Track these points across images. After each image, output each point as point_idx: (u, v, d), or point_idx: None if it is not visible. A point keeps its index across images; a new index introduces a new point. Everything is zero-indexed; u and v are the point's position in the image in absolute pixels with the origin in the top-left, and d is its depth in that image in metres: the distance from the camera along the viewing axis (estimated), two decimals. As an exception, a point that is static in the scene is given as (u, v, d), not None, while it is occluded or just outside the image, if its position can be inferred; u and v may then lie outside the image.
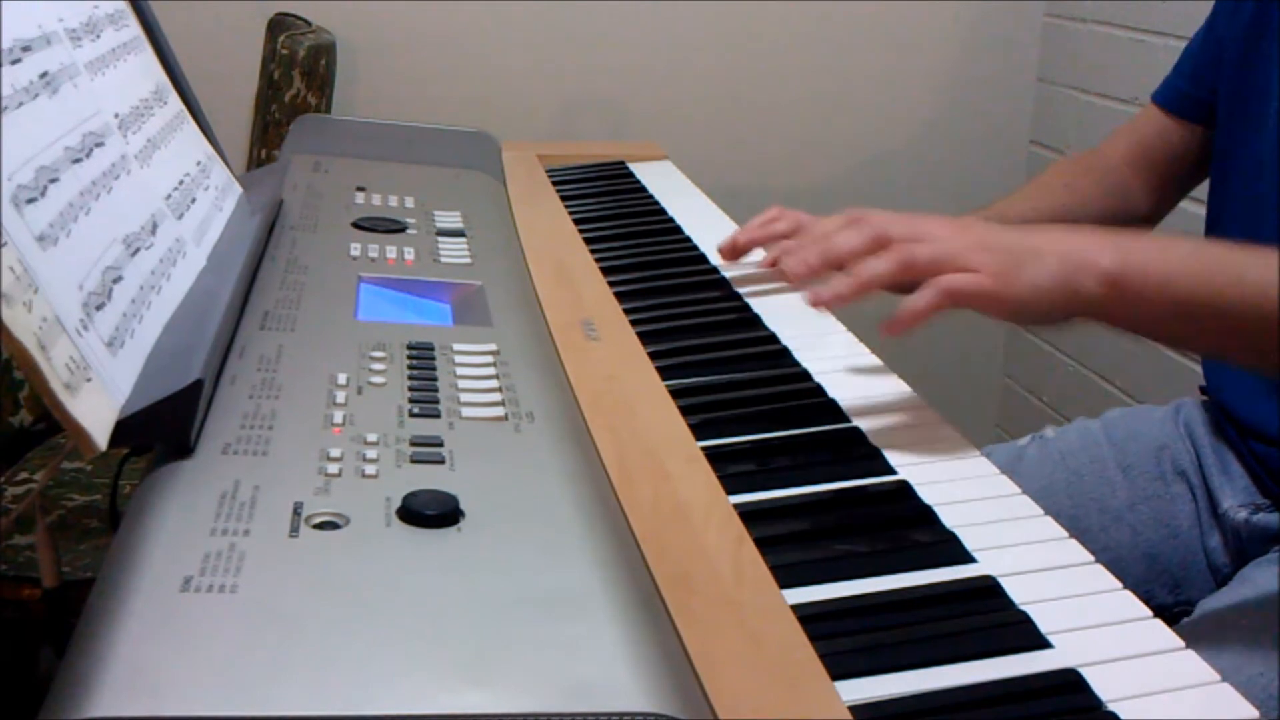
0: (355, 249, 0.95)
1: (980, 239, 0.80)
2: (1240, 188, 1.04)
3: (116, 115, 0.80)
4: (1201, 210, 1.13)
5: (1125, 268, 0.78)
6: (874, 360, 0.93)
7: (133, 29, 0.94)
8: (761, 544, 0.65)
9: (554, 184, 1.35)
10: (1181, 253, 0.80)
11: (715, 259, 1.14)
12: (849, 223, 0.85)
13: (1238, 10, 1.06)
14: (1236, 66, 1.05)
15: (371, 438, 0.64)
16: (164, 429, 0.61)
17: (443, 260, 0.96)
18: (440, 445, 0.64)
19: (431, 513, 0.57)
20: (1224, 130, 1.08)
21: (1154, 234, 0.90)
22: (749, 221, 1.10)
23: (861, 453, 0.80)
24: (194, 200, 0.88)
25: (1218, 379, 1.11)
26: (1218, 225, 1.09)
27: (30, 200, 0.60)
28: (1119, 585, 0.65)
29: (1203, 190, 1.15)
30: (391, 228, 1.01)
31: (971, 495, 0.75)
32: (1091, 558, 0.68)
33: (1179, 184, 1.18)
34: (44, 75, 0.69)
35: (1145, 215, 1.19)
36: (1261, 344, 0.78)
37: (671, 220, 1.27)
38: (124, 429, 0.60)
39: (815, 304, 0.84)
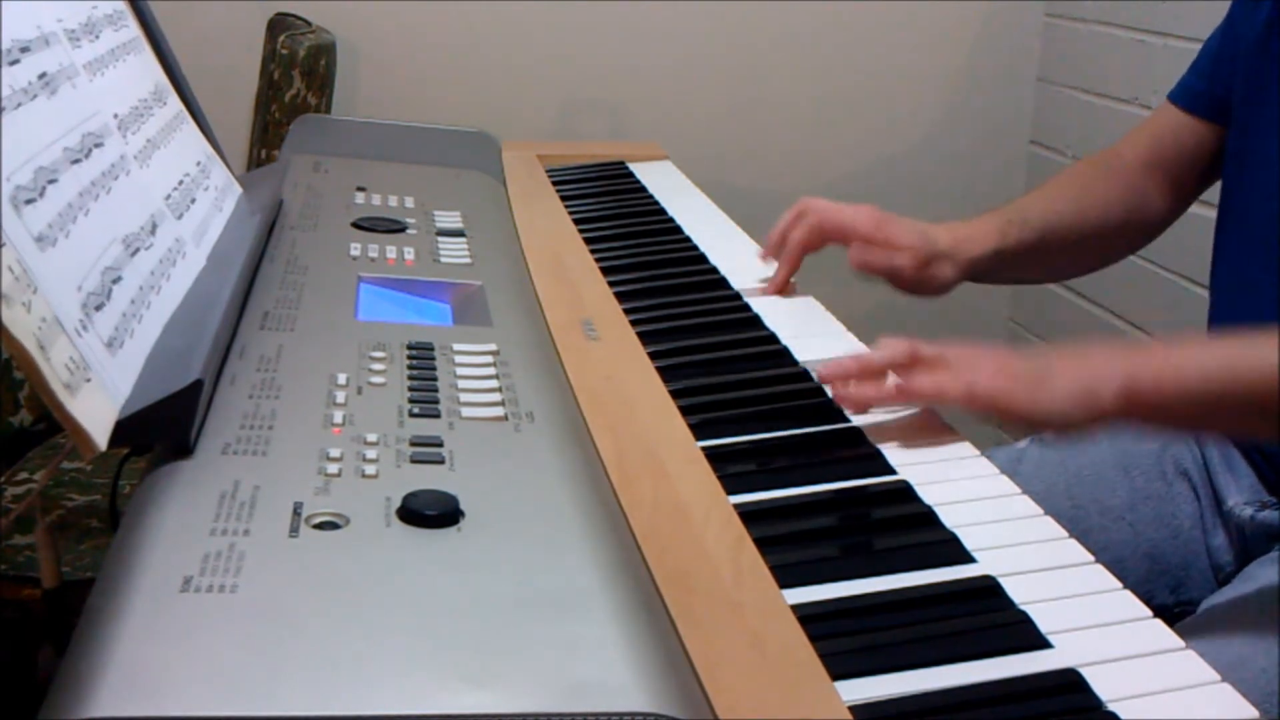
0: (355, 249, 0.95)
1: (1006, 367, 0.84)
2: (1252, 189, 1.04)
3: (116, 116, 0.80)
4: (1210, 212, 1.13)
5: (1138, 383, 0.82)
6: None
7: (131, 29, 0.94)
8: (761, 544, 0.65)
9: (554, 184, 1.34)
10: (1188, 359, 0.84)
11: (715, 259, 1.14)
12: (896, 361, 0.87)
13: (1255, 10, 1.06)
14: (1250, 67, 1.05)
15: (371, 438, 0.64)
16: (164, 429, 0.61)
17: (443, 260, 0.96)
18: (440, 445, 0.64)
19: (431, 513, 0.57)
20: (1236, 131, 1.08)
21: (1162, 340, 0.95)
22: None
23: (861, 453, 0.80)
24: (194, 200, 0.88)
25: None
26: (1228, 228, 1.09)
27: (29, 201, 0.60)
28: (1119, 585, 0.65)
29: (1212, 193, 1.14)
30: (391, 228, 1.01)
31: (971, 495, 0.75)
32: (1091, 558, 0.68)
33: (1195, 183, 1.18)
34: (43, 76, 0.69)
35: (1162, 216, 1.19)
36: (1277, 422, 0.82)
37: (671, 220, 1.27)
38: (124, 429, 0.60)
39: (851, 406, 0.86)
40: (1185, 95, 1.15)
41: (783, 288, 1.10)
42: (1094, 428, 0.86)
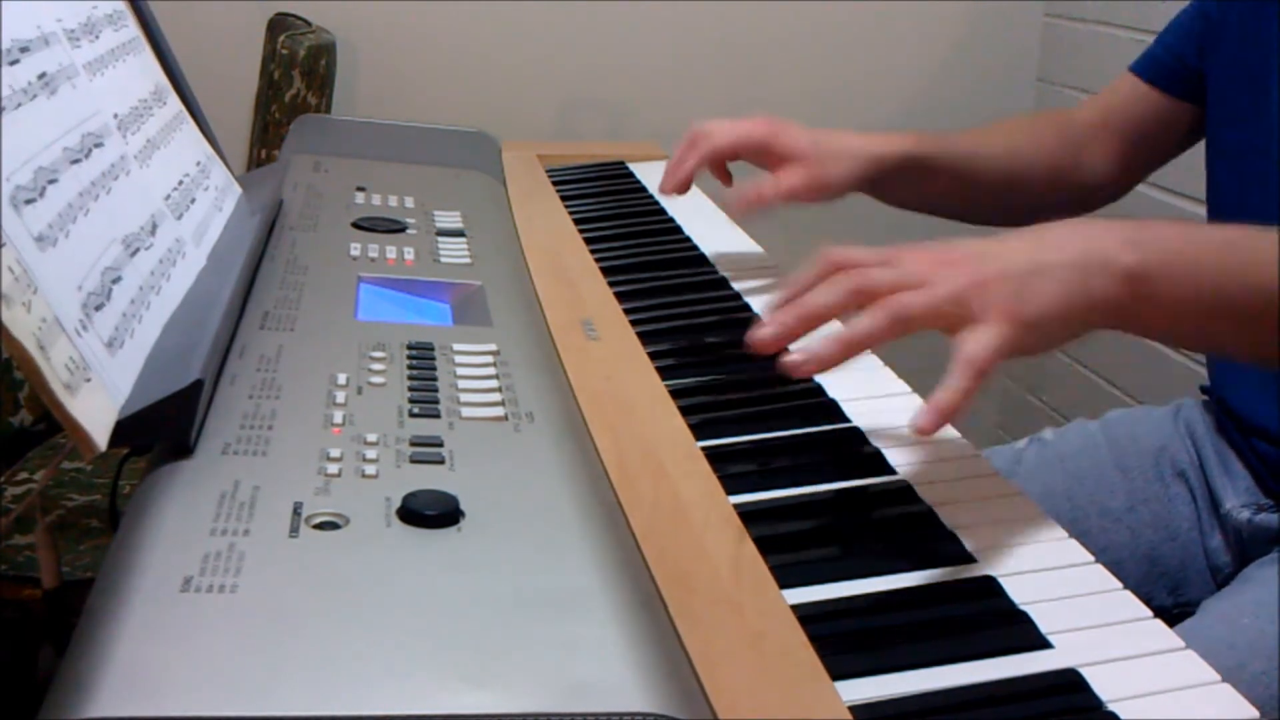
0: (355, 249, 0.95)
1: (975, 271, 0.70)
2: (1241, 176, 1.04)
3: (115, 116, 0.80)
4: (1198, 208, 1.12)
5: (1146, 262, 0.71)
6: (874, 360, 0.93)
7: (131, 29, 0.94)
8: (761, 544, 0.65)
9: (554, 184, 1.34)
10: (1207, 239, 0.74)
11: (715, 259, 1.14)
12: (826, 272, 0.75)
13: (1231, 2, 1.05)
14: (1232, 54, 1.05)
15: (371, 438, 0.64)
16: (164, 429, 0.61)
17: (443, 260, 0.96)
18: (440, 445, 0.64)
19: (431, 513, 0.57)
20: (1219, 117, 1.07)
21: (1166, 220, 0.80)
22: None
23: (861, 453, 0.80)
24: (193, 200, 0.88)
25: (1221, 378, 1.11)
26: (1218, 207, 1.08)
27: (29, 201, 0.60)
28: (1119, 585, 0.65)
29: (1195, 187, 1.14)
30: (391, 228, 1.01)
31: (971, 495, 0.75)
32: (1091, 558, 0.68)
33: (1145, 156, 1.17)
34: (42, 76, 0.69)
35: (1101, 181, 1.18)
36: None
37: (671, 220, 1.27)
38: (124, 429, 0.60)
39: (794, 373, 0.73)
40: (1148, 67, 1.14)
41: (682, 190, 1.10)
42: (1090, 325, 0.71)
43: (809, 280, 0.74)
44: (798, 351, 0.73)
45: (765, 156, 1.08)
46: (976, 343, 0.68)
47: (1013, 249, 0.72)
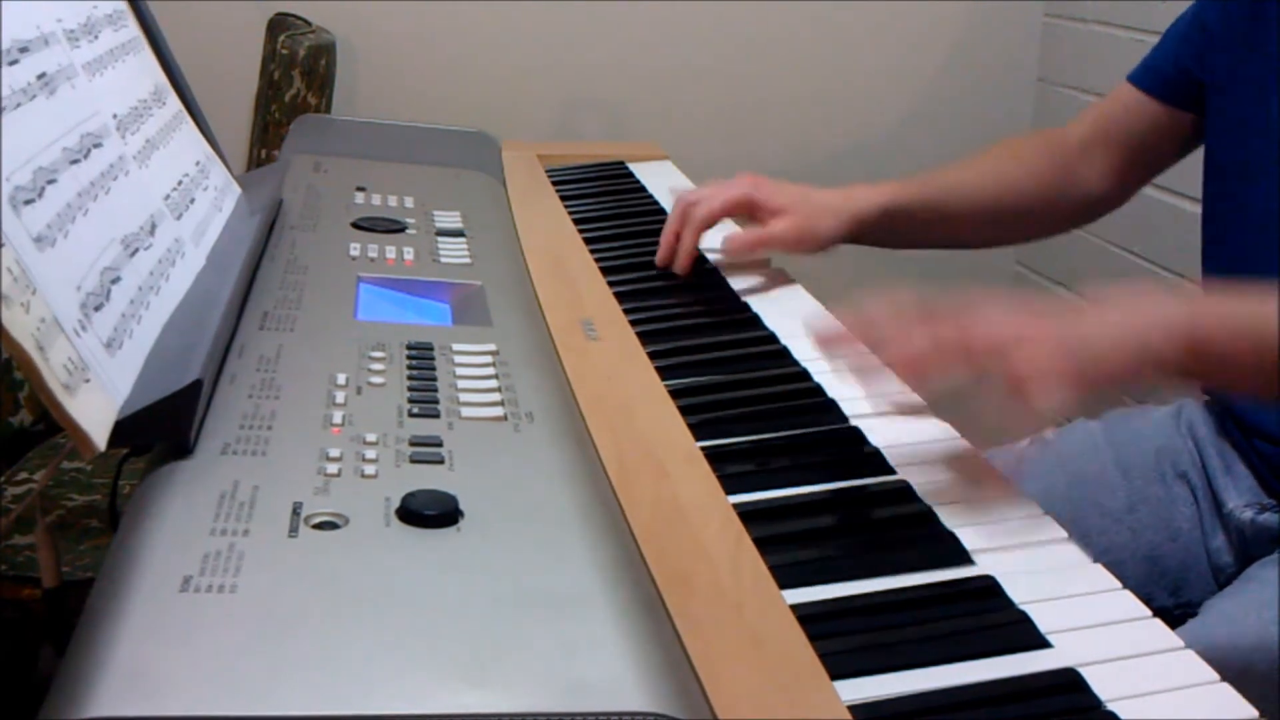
0: (355, 249, 0.95)
1: (1055, 335, 0.75)
2: (1242, 180, 1.04)
3: (115, 116, 0.80)
4: (1186, 204, 1.12)
5: (1203, 325, 0.77)
6: (874, 360, 0.93)
7: (131, 29, 0.94)
8: (761, 544, 0.65)
9: (554, 184, 1.34)
10: (1252, 301, 0.79)
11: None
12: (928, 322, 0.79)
13: (1229, 8, 1.05)
14: (1230, 61, 1.05)
15: (371, 438, 0.64)
16: (163, 429, 0.61)
17: (442, 260, 0.96)
18: (440, 445, 0.64)
19: (431, 513, 0.57)
20: (1217, 125, 1.07)
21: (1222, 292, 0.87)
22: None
23: (861, 453, 0.80)
24: (193, 200, 0.88)
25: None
26: (1215, 217, 1.08)
27: (28, 201, 0.60)
28: (1119, 585, 0.65)
29: (1195, 187, 1.14)
30: (391, 228, 1.01)
31: (971, 495, 0.75)
32: (1091, 558, 0.68)
33: (1142, 167, 1.17)
34: (42, 76, 0.69)
35: (1097, 196, 1.18)
36: None
37: (672, 220, 1.27)
38: (123, 429, 0.60)
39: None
40: (1145, 76, 1.14)
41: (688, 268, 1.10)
42: (1141, 379, 0.78)
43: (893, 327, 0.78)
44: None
45: (755, 213, 1.11)
46: (1045, 393, 0.72)
47: (1088, 318, 0.78)
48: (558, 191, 1.32)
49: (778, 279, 1.11)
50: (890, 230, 1.13)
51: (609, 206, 1.31)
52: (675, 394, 0.83)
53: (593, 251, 1.11)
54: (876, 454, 0.79)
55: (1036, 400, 0.72)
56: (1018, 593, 0.64)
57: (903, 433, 0.82)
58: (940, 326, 0.76)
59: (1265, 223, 0.99)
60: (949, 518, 0.71)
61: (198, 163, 0.95)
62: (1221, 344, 0.77)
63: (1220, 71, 1.06)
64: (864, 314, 0.80)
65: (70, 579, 0.82)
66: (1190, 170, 1.16)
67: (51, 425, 1.45)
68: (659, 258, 1.12)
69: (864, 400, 0.86)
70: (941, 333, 0.75)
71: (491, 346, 0.78)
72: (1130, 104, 1.15)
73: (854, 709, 0.54)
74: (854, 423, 0.83)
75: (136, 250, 0.73)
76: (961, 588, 0.65)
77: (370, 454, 0.62)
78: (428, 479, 0.60)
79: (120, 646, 0.46)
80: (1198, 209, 1.13)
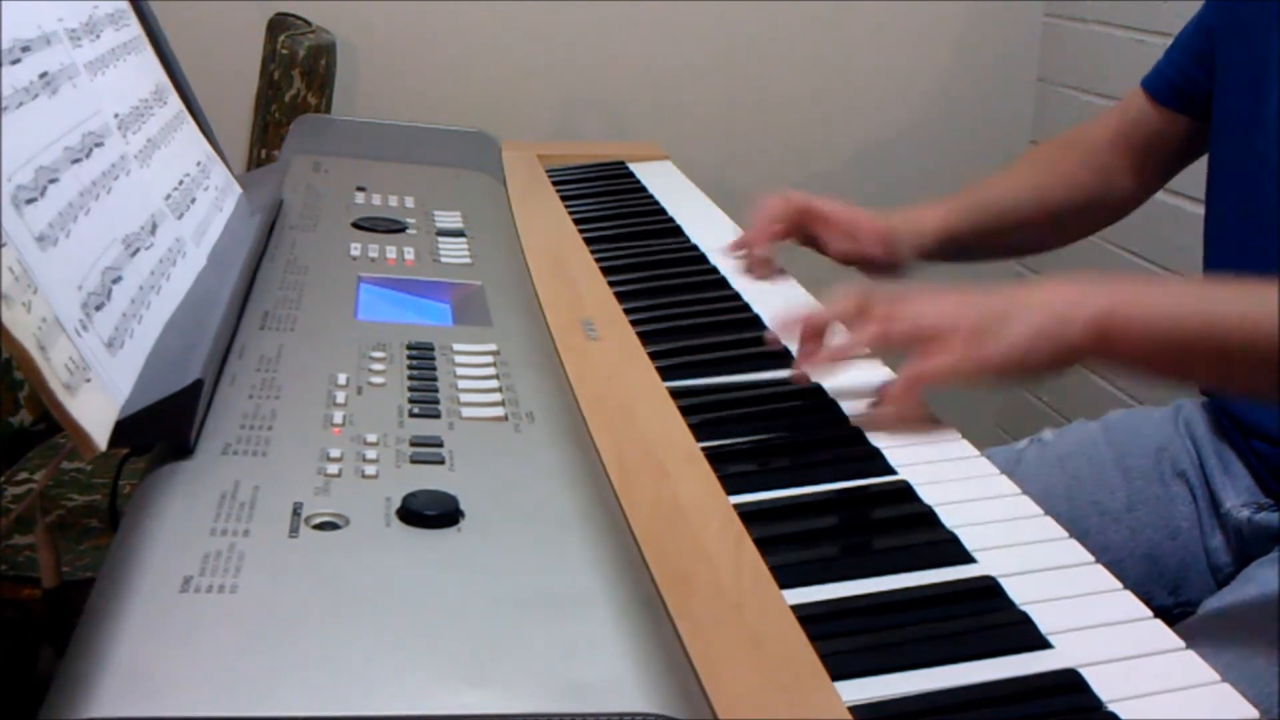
0: (355, 249, 0.95)
1: (958, 306, 0.81)
2: (1240, 183, 1.04)
3: (116, 115, 0.80)
4: (1197, 208, 1.12)
5: (1112, 314, 0.79)
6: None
7: (133, 29, 0.94)
8: (761, 544, 0.65)
9: (554, 184, 1.35)
10: (1170, 294, 0.81)
11: (715, 259, 1.14)
12: (847, 313, 0.88)
13: (1230, 6, 1.06)
14: (1231, 62, 1.05)
15: (371, 438, 0.64)
16: (164, 429, 0.61)
17: (443, 260, 0.96)
18: (440, 445, 0.64)
19: (431, 513, 0.57)
20: (1219, 126, 1.08)
21: (1145, 276, 0.93)
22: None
23: (861, 453, 0.80)
24: (194, 200, 0.88)
25: (1218, 379, 1.11)
26: (1217, 222, 1.09)
27: (30, 200, 0.60)
28: (1119, 585, 0.65)
29: (1195, 187, 1.14)
30: (391, 228, 1.01)
31: (971, 495, 0.75)
32: (1091, 558, 0.68)
33: (1164, 168, 1.19)
34: (44, 75, 0.69)
35: (1129, 195, 1.20)
36: (1261, 378, 0.78)
37: (671, 220, 1.27)
38: (124, 429, 0.60)
39: (794, 377, 0.88)
40: (1155, 85, 1.16)
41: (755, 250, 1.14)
42: (1060, 364, 0.80)
43: (831, 317, 0.88)
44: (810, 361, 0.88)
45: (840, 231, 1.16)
46: (929, 366, 0.81)
47: (1000, 296, 0.82)
48: (558, 191, 1.32)
49: (777, 279, 1.11)
50: (951, 252, 1.17)
51: (609, 206, 1.32)
52: (675, 394, 0.83)
53: (593, 251, 1.11)
54: (876, 454, 0.79)
55: (941, 385, 0.80)
56: (1018, 593, 0.64)
57: (903, 433, 0.82)
58: (870, 321, 0.84)
59: (1267, 221, 0.99)
60: (949, 518, 0.71)
61: (198, 162, 0.95)
62: (1134, 332, 0.79)
63: (1222, 70, 1.06)
64: (815, 310, 0.90)
65: (70, 579, 0.82)
66: (1191, 170, 1.17)
67: (51, 425, 1.45)
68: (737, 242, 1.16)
69: (865, 400, 0.86)
70: (869, 328, 0.84)
71: (492, 346, 0.79)
72: (1143, 109, 1.17)
73: (854, 709, 0.54)
74: (854, 423, 0.83)
75: (138, 250, 0.73)
76: (962, 588, 0.65)
77: (371, 454, 0.62)
78: (428, 479, 0.60)
79: (120, 646, 0.46)
80: (1198, 209, 1.13)
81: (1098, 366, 0.82)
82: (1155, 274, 1.99)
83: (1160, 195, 1.22)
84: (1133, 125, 1.18)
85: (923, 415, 0.83)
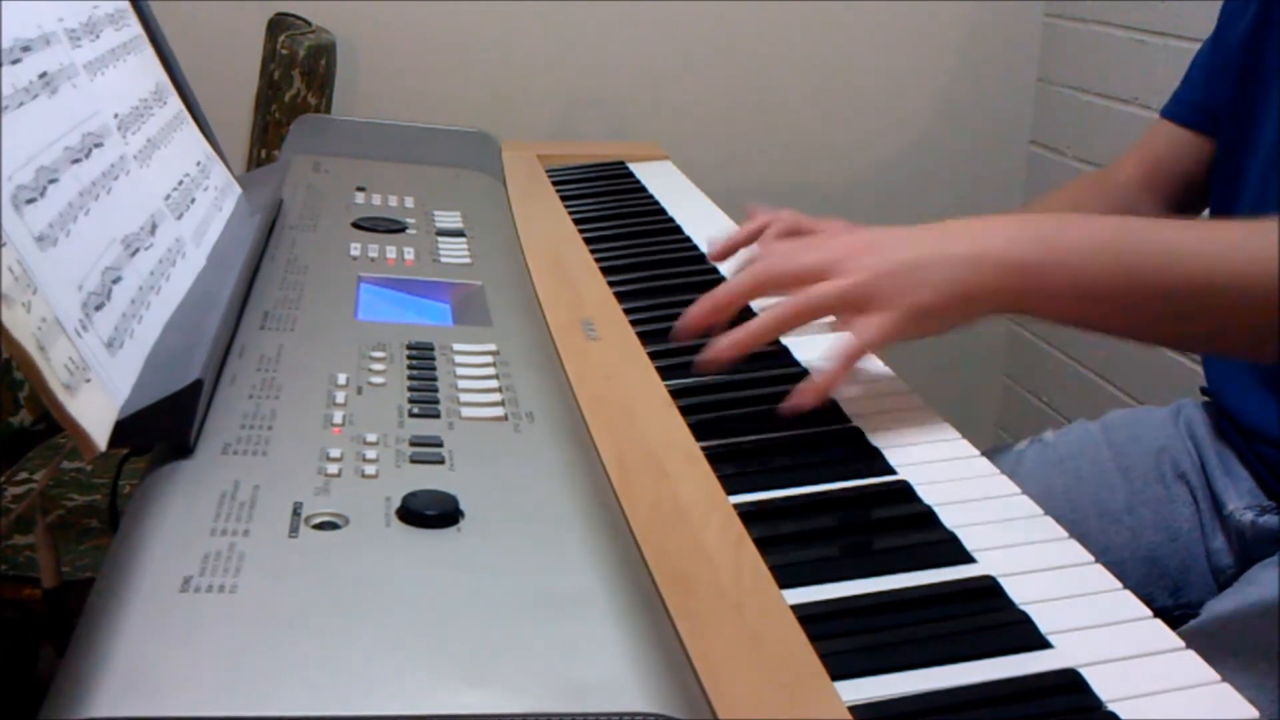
0: (355, 249, 0.95)
1: (880, 262, 0.77)
2: (1242, 198, 1.04)
3: (116, 115, 0.80)
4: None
5: (1033, 252, 0.74)
6: (874, 360, 0.93)
7: (133, 29, 0.94)
8: (761, 544, 0.65)
9: (554, 184, 1.35)
10: (1098, 230, 0.76)
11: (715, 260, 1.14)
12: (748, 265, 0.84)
13: (1241, 16, 1.05)
14: (1239, 74, 1.05)
15: (371, 438, 0.64)
16: (164, 429, 0.61)
17: (443, 260, 0.96)
18: (440, 445, 0.64)
19: (431, 513, 0.57)
20: (1225, 140, 1.07)
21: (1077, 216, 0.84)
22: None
23: (861, 453, 0.79)
24: (194, 200, 0.88)
25: (1218, 381, 1.10)
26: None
27: (30, 200, 0.60)
28: (1119, 585, 0.65)
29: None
30: (391, 228, 1.01)
31: (971, 495, 0.75)
32: (1091, 558, 0.68)
33: (1194, 201, 1.15)
34: (43, 75, 0.69)
35: None
36: (1204, 326, 0.74)
37: (671, 220, 1.27)
38: (124, 429, 0.60)
39: (706, 368, 0.83)
40: (1179, 109, 1.13)
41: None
42: (974, 315, 0.76)
43: (736, 298, 0.83)
44: (709, 348, 0.81)
45: None
46: (860, 332, 0.78)
47: (917, 240, 0.78)
48: (558, 191, 1.32)
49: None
50: None
51: (609, 206, 1.32)
52: (675, 394, 0.83)
53: (593, 251, 1.11)
54: (877, 454, 0.79)
55: (854, 331, 0.77)
56: (1018, 593, 0.64)
57: (903, 433, 0.82)
58: (782, 254, 0.81)
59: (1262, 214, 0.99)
60: (949, 518, 0.71)
61: (198, 162, 0.95)
62: (1050, 278, 0.74)
63: (1231, 85, 1.06)
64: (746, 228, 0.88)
65: (70, 579, 0.82)
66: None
67: (52, 425, 1.46)
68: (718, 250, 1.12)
69: (865, 400, 0.86)
70: (778, 311, 0.80)
71: (492, 346, 0.79)
72: (1170, 140, 1.13)
73: (854, 709, 0.54)
74: (854, 423, 0.83)
75: (137, 250, 0.73)
76: (961, 588, 0.65)
77: (370, 454, 0.62)
78: (428, 479, 0.60)
79: (120, 646, 0.46)
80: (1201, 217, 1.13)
81: (1014, 315, 0.76)
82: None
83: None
84: (1157, 158, 1.14)
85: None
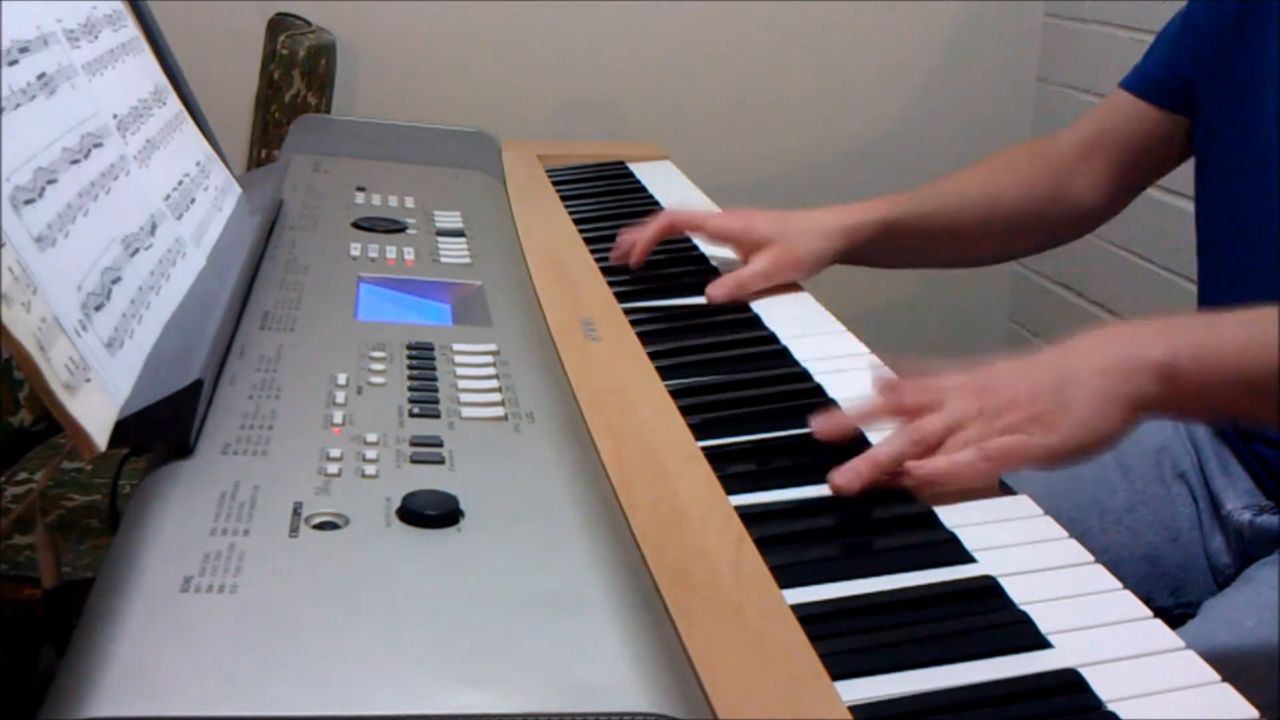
0: (355, 249, 0.95)
1: (1007, 383, 0.75)
2: (1238, 184, 1.04)
3: (115, 116, 0.80)
4: (1186, 204, 1.11)
5: (1176, 355, 0.74)
6: (874, 360, 0.93)
7: (131, 30, 0.94)
8: (761, 544, 0.65)
9: (554, 184, 1.35)
10: (1232, 328, 0.77)
11: (715, 259, 1.14)
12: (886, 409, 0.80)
13: (1220, 3, 1.05)
14: (1222, 61, 1.04)
15: (371, 438, 0.64)
16: (164, 429, 0.61)
17: (443, 260, 0.96)
18: (440, 445, 0.64)
19: (431, 513, 0.57)
20: (1210, 125, 1.07)
21: (1196, 314, 0.84)
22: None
23: (861, 452, 0.79)
24: (193, 200, 0.88)
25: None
26: (1211, 223, 1.08)
27: (29, 201, 0.60)
28: (1119, 585, 0.65)
29: (1188, 185, 1.13)
30: (391, 228, 1.01)
31: (971, 495, 0.74)
32: (1091, 558, 0.68)
33: (1139, 173, 1.15)
34: (42, 76, 0.69)
35: (1090, 206, 1.17)
36: None
37: (672, 220, 1.26)
38: (124, 429, 0.60)
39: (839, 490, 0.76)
40: (1141, 82, 1.13)
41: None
42: (1132, 421, 0.74)
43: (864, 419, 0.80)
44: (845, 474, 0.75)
45: (740, 248, 1.11)
46: (1012, 448, 0.73)
47: (1044, 365, 0.76)
48: (558, 191, 1.32)
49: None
50: (887, 247, 1.12)
51: (609, 206, 1.31)
52: (675, 394, 0.83)
53: (593, 251, 1.11)
54: (876, 454, 0.79)
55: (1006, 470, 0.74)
56: (1018, 593, 0.64)
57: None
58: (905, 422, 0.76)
59: (1259, 224, 0.99)
60: (949, 518, 0.71)
61: (198, 163, 0.95)
62: (1198, 377, 0.74)
63: (1210, 70, 1.06)
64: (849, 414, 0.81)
65: (70, 579, 0.82)
66: (1191, 171, 1.16)
67: (52, 425, 1.45)
68: (614, 255, 1.11)
69: (865, 400, 0.86)
70: (906, 435, 0.75)
71: (492, 346, 0.79)
72: (1126, 110, 1.13)
73: (854, 709, 0.54)
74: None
75: (137, 250, 0.73)
76: (961, 588, 0.65)
77: (371, 454, 0.62)
78: (428, 479, 0.60)
79: (120, 646, 0.46)
80: (1185, 204, 1.12)
81: (1167, 419, 0.74)
82: (1157, 276, 1.99)
83: (1160, 195, 1.21)
84: (1105, 128, 1.15)
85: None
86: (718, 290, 1.05)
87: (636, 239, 1.10)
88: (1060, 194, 1.16)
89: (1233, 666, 0.65)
